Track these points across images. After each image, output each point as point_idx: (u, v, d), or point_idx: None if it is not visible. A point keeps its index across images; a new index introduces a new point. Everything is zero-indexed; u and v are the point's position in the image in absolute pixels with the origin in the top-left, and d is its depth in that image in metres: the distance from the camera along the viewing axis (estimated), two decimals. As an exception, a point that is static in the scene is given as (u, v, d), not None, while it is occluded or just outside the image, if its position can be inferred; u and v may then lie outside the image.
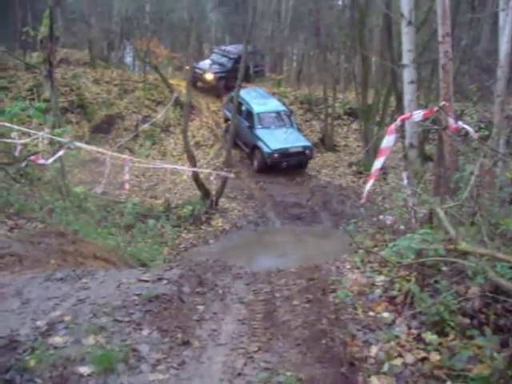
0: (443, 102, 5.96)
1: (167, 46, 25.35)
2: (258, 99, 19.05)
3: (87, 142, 17.36)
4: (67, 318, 3.58)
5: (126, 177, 11.31)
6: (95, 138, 18.52)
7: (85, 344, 3.27)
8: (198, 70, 22.15)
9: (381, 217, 7.73)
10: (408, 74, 9.05)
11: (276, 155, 16.50)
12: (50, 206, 9.13)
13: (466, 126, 5.75)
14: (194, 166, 14.41)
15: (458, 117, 6.52)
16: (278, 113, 18.39)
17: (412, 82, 9.05)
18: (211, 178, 15.24)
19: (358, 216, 10.82)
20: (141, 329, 3.55)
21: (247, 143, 17.95)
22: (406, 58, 9.02)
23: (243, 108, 18.17)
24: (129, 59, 30.99)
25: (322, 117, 21.25)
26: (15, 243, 5.60)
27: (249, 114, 17.95)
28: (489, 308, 3.72)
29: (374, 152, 18.77)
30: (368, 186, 6.13)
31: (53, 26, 11.60)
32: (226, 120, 18.53)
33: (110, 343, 3.30)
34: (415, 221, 5.90)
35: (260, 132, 17.23)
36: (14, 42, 20.41)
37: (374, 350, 3.32)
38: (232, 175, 14.94)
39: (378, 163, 5.85)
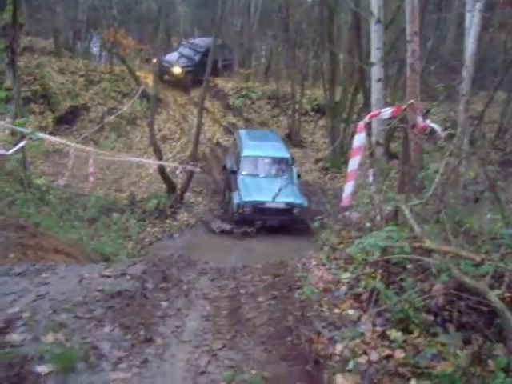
0: (411, 100, 5.99)
1: (135, 38, 24.98)
2: (258, 141, 15.33)
3: (51, 133, 16.97)
4: (25, 315, 3.45)
5: (91, 169, 11.08)
6: (59, 129, 18.13)
7: (44, 342, 3.16)
8: (165, 64, 21.86)
9: (347, 214, 7.76)
10: (376, 72, 9.08)
11: (246, 209, 12.48)
12: (11, 197, 8.89)
13: (432, 125, 5.82)
14: (160, 159, 14.25)
15: (425, 115, 6.57)
16: (274, 160, 14.27)
17: (379, 80, 9.09)
18: (177, 171, 15.12)
19: (324, 212, 10.87)
20: (102, 326, 3.45)
21: (225, 193, 14.75)
22: (374, 56, 9.05)
23: (236, 150, 15.14)
24: (95, 49, 30.42)
25: (290, 112, 21.31)
26: (-28, 236, 5.40)
27: (238, 158, 14.48)
28: (452, 305, 3.76)
29: (340, 149, 19.01)
30: (348, 188, 6.08)
31: (16, 12, 11.25)
32: (224, 167, 15.28)
33: (69, 341, 3.20)
34: (381, 218, 5.94)
35: (242, 179, 13.47)
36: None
37: (339, 347, 3.31)
38: (198, 169, 14.81)
39: (353, 163, 5.84)
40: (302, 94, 21.02)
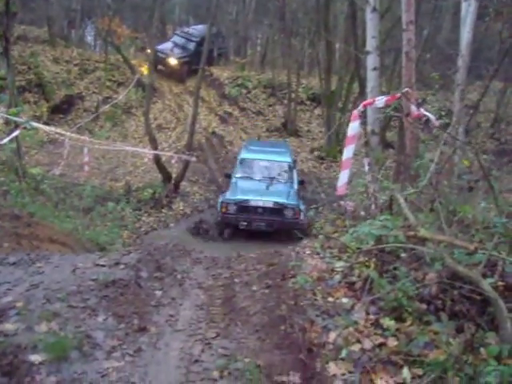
0: (406, 89, 5.99)
1: (130, 26, 24.79)
2: (260, 147, 14.48)
3: (45, 123, 16.88)
4: (19, 304, 3.45)
5: (86, 159, 11.05)
6: (54, 119, 18.02)
7: (37, 331, 3.16)
8: (160, 54, 21.64)
9: (341, 203, 7.76)
10: (371, 61, 9.06)
11: (230, 208, 11.21)
12: (5, 187, 8.86)
13: (427, 113, 5.82)
14: (155, 148, 14.20)
15: (420, 104, 6.56)
16: (273, 163, 12.78)
17: (375, 69, 9.07)
18: (172, 161, 15.09)
19: (318, 201, 10.88)
20: (96, 315, 3.46)
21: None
22: (370, 44, 9.03)
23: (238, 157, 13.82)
24: (90, 38, 30.22)
25: (285, 102, 21.25)
26: (-35, 226, 5.39)
27: (235, 162, 13.66)
28: (446, 294, 3.77)
29: (336, 138, 19.00)
30: (343, 177, 6.06)
31: (9, 1, 11.14)
32: (226, 175, 13.51)
33: (63, 330, 3.20)
34: (375, 207, 5.95)
35: (235, 181, 12.40)
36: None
37: (332, 335, 3.32)
38: (194, 159, 14.79)
39: (348, 152, 5.83)
40: (297, 83, 20.98)
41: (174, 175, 14.46)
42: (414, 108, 5.70)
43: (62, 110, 18.73)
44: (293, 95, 20.88)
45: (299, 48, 23.09)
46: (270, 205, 11.15)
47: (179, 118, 20.48)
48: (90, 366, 2.93)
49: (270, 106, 22.55)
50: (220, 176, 16.21)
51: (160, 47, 22.13)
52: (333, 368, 2.99)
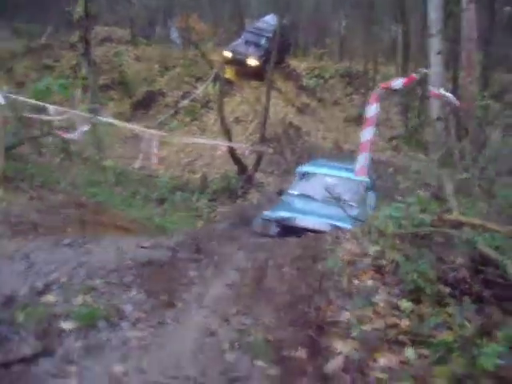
0: (422, 69, 5.98)
1: (209, 20, 25.38)
2: (327, 163, 11.77)
3: (128, 119, 17.86)
4: (62, 280, 3.83)
5: (155, 150, 11.61)
6: (136, 115, 19.01)
7: (73, 303, 3.50)
8: (239, 56, 21.32)
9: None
10: (435, 44, 8.83)
11: (270, 229, 8.40)
12: (84, 178, 9.55)
13: (446, 94, 5.73)
14: (230, 141, 14.57)
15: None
16: (342, 181, 9.55)
17: (439, 53, 8.84)
18: (246, 152, 15.42)
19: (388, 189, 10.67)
20: (129, 290, 3.76)
21: None
22: (433, 26, 8.80)
23: None
24: (174, 35, 31.29)
25: (363, 91, 20.97)
26: (33, 212, 5.94)
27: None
28: (474, 278, 3.72)
29: (414, 126, 18.51)
30: (361, 159, 6.08)
31: (87, 5, 11.92)
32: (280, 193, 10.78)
33: (96, 302, 3.52)
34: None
35: (285, 198, 9.87)
36: (59, 21, 21.03)
37: (346, 315, 3.40)
38: (270, 150, 15.05)
39: (366, 133, 5.85)
40: (375, 71, 20.63)
41: (249, 166, 14.79)
42: (431, 88, 5.64)
43: (143, 105, 19.70)
44: (370, 84, 20.54)
45: (377, 36, 22.59)
46: (326, 227, 7.52)
47: (257, 110, 20.77)
48: (115, 334, 3.21)
49: (348, 95, 22.37)
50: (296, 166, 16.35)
51: (234, 47, 21.89)
52: (340, 345, 3.08)
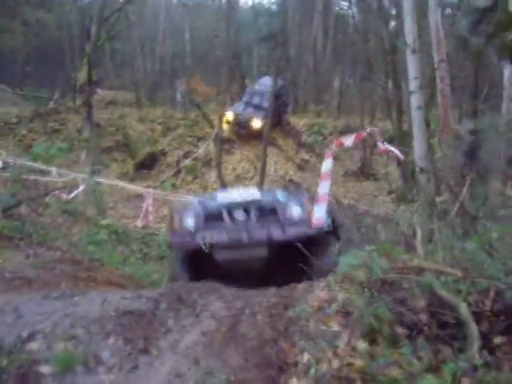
0: (372, 128, 6.51)
1: (210, 82, 26.43)
2: None
3: (132, 179, 18.44)
4: (47, 329, 4.11)
5: (150, 208, 12.02)
6: (139, 175, 19.61)
7: (54, 350, 3.78)
8: (242, 119, 21.81)
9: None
10: (415, 101, 9.31)
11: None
12: (82, 237, 9.91)
13: (392, 149, 6.21)
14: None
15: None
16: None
17: (419, 108, 9.30)
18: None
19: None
20: (108, 338, 4.03)
21: None
22: (413, 85, 9.30)
23: None
24: (179, 96, 32.50)
25: (361, 146, 21.51)
26: (28, 268, 6.28)
27: None
28: (430, 320, 3.97)
29: (411, 179, 18.86)
30: (320, 210, 6.41)
31: (90, 72, 12.67)
32: None
33: (76, 349, 3.80)
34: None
35: None
36: (66, 86, 22.06)
37: (306, 357, 3.65)
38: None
39: (323, 187, 6.26)
40: (372, 126, 21.22)
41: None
42: (380, 144, 6.09)
43: (146, 165, 20.32)
44: (370, 139, 21.09)
45: (372, 92, 23.36)
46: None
47: (257, 167, 21.33)
48: (91, 378, 3.48)
49: (347, 151, 22.88)
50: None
51: (236, 109, 22.41)
52: (294, 382, 3.33)
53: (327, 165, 6.19)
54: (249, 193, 7.34)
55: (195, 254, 7.16)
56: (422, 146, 8.98)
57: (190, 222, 7.04)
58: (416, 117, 9.40)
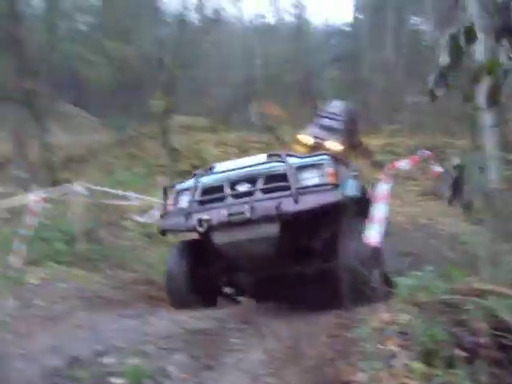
0: (423, 151, 6.49)
1: (283, 106, 26.81)
2: None
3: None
4: (121, 345, 4.45)
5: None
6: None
7: (125, 363, 4.09)
8: (319, 141, 22.11)
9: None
10: (486, 119, 9.12)
11: None
12: (157, 258, 10.38)
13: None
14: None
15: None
16: None
17: (494, 126, 9.09)
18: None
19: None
20: (176, 354, 4.31)
21: None
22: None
23: None
24: (253, 119, 33.25)
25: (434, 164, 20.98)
26: (106, 288, 6.74)
27: None
28: (491, 343, 3.93)
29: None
30: (375, 232, 6.24)
31: (166, 99, 13.43)
32: None
33: (145, 364, 4.09)
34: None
35: None
36: (143, 113, 23.20)
37: (361, 375, 3.74)
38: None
39: (379, 209, 6.01)
40: (446, 144, 20.73)
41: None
42: (433, 167, 6.05)
43: (222, 187, 20.85)
44: (442, 157, 20.62)
45: (447, 109, 22.82)
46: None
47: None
48: (158, 392, 3.75)
49: (419, 169, 22.45)
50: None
51: (310, 132, 22.76)
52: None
53: (382, 187, 6.19)
54: (254, 160, 6.28)
55: (193, 244, 6.54)
56: (497, 168, 8.74)
57: (185, 201, 6.17)
58: (490, 136, 9.18)
